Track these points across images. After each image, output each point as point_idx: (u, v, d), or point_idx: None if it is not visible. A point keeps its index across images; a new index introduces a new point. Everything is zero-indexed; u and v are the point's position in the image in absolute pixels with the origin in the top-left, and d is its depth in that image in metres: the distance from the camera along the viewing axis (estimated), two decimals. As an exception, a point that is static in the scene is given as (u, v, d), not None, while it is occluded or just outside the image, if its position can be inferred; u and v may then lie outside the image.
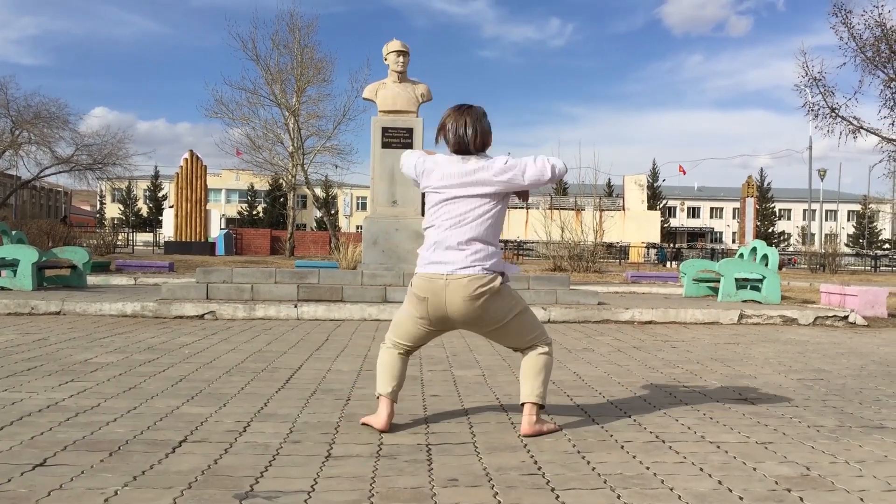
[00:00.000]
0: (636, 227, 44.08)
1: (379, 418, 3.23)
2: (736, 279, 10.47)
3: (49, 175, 43.18)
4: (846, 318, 8.56)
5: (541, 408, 3.24)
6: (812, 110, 29.39)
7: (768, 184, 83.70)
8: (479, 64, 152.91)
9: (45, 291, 9.60)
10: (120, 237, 34.52)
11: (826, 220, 63.63)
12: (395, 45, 10.51)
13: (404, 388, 4.19)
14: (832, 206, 72.96)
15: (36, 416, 3.33)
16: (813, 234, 48.15)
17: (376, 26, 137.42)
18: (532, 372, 3.25)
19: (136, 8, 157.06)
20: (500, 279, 3.14)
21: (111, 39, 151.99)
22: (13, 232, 11.22)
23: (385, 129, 10.54)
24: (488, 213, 3.14)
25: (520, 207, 45.44)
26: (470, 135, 3.15)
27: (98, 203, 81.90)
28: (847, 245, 71.14)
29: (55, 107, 39.49)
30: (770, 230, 78.18)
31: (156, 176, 78.50)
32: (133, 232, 44.73)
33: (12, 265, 9.84)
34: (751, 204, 43.83)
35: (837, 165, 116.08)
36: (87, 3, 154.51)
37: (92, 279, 12.13)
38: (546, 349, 3.30)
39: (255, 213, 77.22)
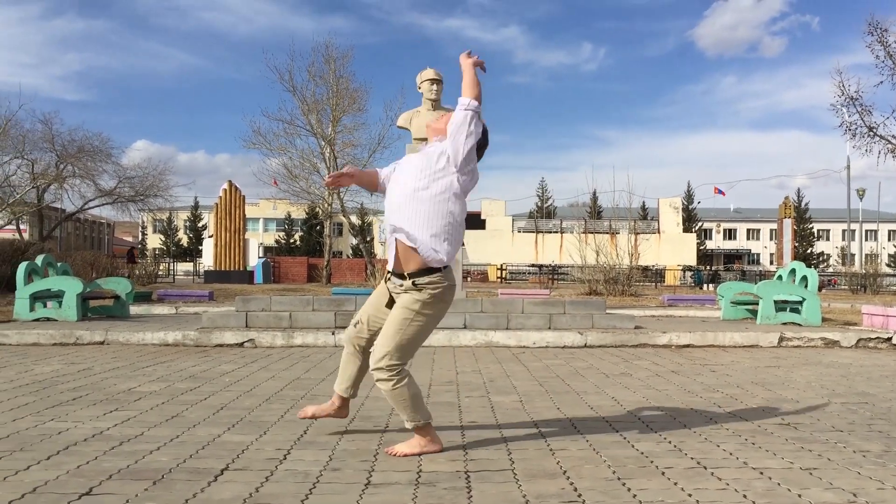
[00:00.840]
0: (672, 249, 43.67)
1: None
2: (775, 301, 10.32)
3: (93, 207, 44.25)
4: (890, 339, 8.38)
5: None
6: (849, 130, 28.90)
7: (806, 204, 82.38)
8: (511, 89, 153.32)
9: (89, 322, 9.80)
10: (161, 267, 35.09)
11: (866, 239, 62.36)
12: (428, 73, 10.62)
13: (442, 414, 4.21)
14: (872, 226, 71.54)
15: (82, 446, 3.41)
16: (853, 255, 47.23)
17: (410, 55, 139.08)
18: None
19: (176, 43, 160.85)
20: None
21: (152, 74, 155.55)
22: (59, 264, 11.49)
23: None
24: None
25: (554, 232, 45.38)
26: None
27: (140, 234, 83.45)
28: (888, 265, 69.59)
29: (98, 140, 40.57)
30: (809, 251, 76.79)
31: (195, 206, 79.80)
32: (174, 262, 45.46)
33: (58, 296, 10.08)
34: (788, 225, 43.20)
35: (877, 184, 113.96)
36: (129, 40, 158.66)
37: (134, 309, 12.35)
38: None
39: (292, 241, 78.03)
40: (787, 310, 10.37)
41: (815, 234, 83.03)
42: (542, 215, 74.64)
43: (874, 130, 28.42)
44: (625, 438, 3.66)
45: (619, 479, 2.94)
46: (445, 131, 3.41)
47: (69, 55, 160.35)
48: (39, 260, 10.92)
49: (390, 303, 3.45)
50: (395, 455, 3.25)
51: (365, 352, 3.55)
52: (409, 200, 3.31)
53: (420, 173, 3.33)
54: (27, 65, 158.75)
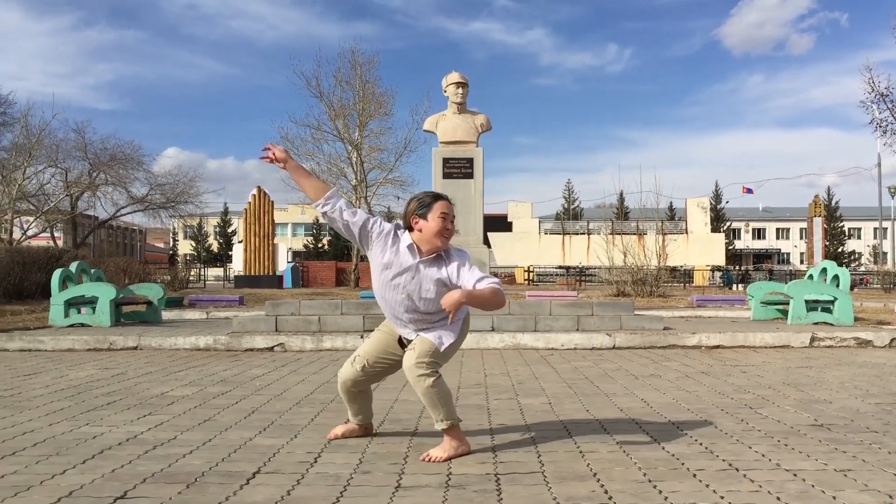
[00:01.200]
0: (700, 250, 43.16)
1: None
2: (806, 301, 10.19)
3: (125, 214, 44.83)
4: (927, 339, 8.23)
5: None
6: (880, 126, 28.54)
7: (836, 202, 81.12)
8: (537, 92, 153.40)
9: (122, 327, 9.94)
10: (192, 272, 35.49)
11: (900, 237, 61.21)
12: (454, 76, 10.67)
13: (471, 417, 4.21)
14: (905, 224, 70.24)
15: (116, 450, 3.47)
16: (885, 253, 46.42)
17: (435, 59, 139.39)
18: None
19: (205, 51, 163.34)
20: None
21: (182, 82, 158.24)
22: (92, 270, 11.67)
23: (446, 160, 10.66)
24: None
25: (581, 233, 45.15)
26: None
27: (171, 240, 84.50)
28: (922, 263, 68.25)
29: (130, 149, 41.14)
30: (840, 250, 75.55)
31: (225, 212, 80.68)
32: (204, 267, 45.95)
33: (91, 302, 10.24)
34: (818, 223, 42.61)
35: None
36: (159, 49, 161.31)
37: (166, 314, 12.51)
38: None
39: (320, 245, 78.54)
40: (819, 309, 10.23)
41: (846, 233, 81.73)
42: (569, 217, 74.30)
43: (905, 127, 27.95)
44: (655, 440, 3.64)
45: (649, 481, 2.93)
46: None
47: (101, 65, 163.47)
48: (73, 267, 11.10)
49: (401, 342, 3.57)
50: (431, 461, 3.24)
51: (365, 391, 3.68)
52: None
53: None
54: (60, 75, 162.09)
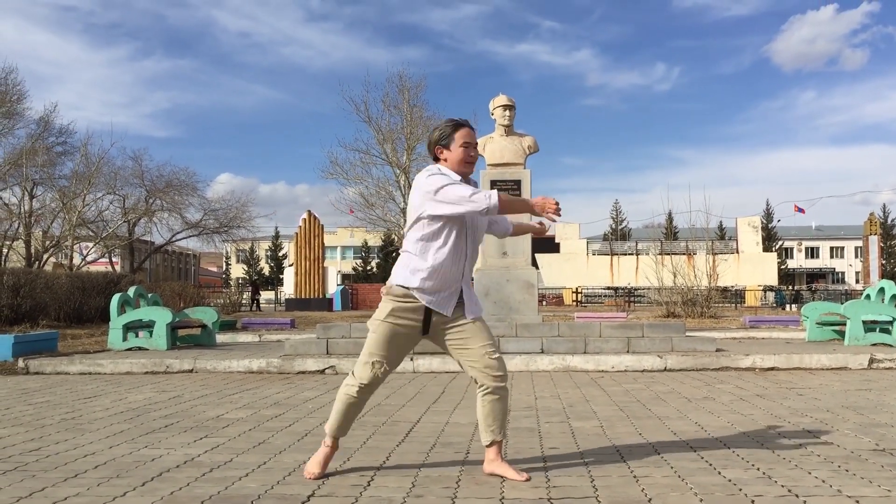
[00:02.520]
0: (751, 269, 42.35)
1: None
2: (864, 322, 9.92)
3: (180, 239, 45.94)
4: None
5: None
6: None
7: (892, 220, 78.74)
8: (584, 112, 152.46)
9: (178, 350, 10.15)
10: (245, 296, 36.11)
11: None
12: (501, 99, 10.72)
13: (523, 440, 4.21)
14: (968, 239, 67.83)
15: (174, 472, 3.54)
16: (947, 270, 44.81)
17: (482, 82, 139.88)
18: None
19: (257, 78, 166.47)
20: (388, 288, 3.40)
21: (235, 109, 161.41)
22: (149, 295, 11.96)
23: (493, 182, 10.69)
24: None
25: (630, 254, 44.70)
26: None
27: (224, 264, 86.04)
28: None
29: (185, 175, 42.28)
30: (896, 269, 73.25)
31: (276, 236, 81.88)
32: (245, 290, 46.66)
33: (149, 326, 10.49)
34: (874, 242, 41.49)
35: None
36: (213, 77, 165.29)
37: (220, 337, 12.73)
38: (347, 378, 3.45)
39: (368, 268, 79.13)
40: (877, 330, 9.95)
41: (904, 251, 79.22)
42: (617, 237, 73.63)
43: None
44: (711, 465, 3.59)
45: (705, 506, 2.89)
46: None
47: (157, 94, 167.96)
48: (131, 291, 11.38)
49: (424, 331, 3.41)
50: (516, 479, 3.30)
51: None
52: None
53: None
54: (118, 104, 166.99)
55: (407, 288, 3.31)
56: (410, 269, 3.32)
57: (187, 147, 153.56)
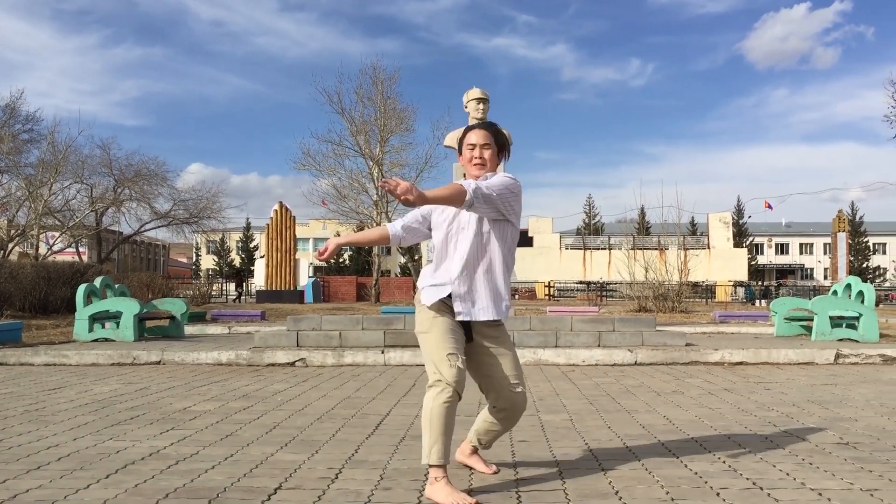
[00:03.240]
0: (722, 265, 42.83)
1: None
2: (831, 317, 10.08)
3: (149, 230, 45.42)
4: (956, 356, 8.10)
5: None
6: (905, 140, 28.21)
7: (861, 217, 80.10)
8: (559, 107, 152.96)
9: (145, 342, 10.04)
10: (214, 287, 35.79)
11: (927, 252, 60.38)
12: (474, 92, 10.70)
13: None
14: (931, 238, 69.26)
15: (139, 465, 3.49)
16: (912, 268, 45.74)
17: (458, 75, 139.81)
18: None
19: (230, 68, 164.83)
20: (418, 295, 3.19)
21: (207, 99, 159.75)
22: (116, 285, 11.80)
23: (465, 174, 10.68)
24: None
25: (602, 248, 44.97)
26: None
27: (194, 255, 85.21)
28: (950, 278, 67.19)
29: (154, 164, 41.76)
30: (864, 265, 74.48)
31: (247, 227, 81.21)
32: (226, 282, 46.30)
33: (116, 317, 10.35)
34: (843, 239, 42.10)
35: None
36: (185, 66, 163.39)
37: (189, 329, 12.61)
38: (431, 392, 2.97)
39: (341, 261, 78.78)
40: (844, 326, 10.12)
41: (871, 248, 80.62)
42: (590, 232, 74.04)
43: (932, 140, 27.67)
44: (678, 458, 3.61)
45: (672, 499, 2.90)
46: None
47: (127, 82, 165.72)
48: (98, 282, 11.23)
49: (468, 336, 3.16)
50: (484, 471, 3.26)
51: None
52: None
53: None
54: (87, 92, 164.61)
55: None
56: None
57: (157, 136, 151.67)
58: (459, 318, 3.08)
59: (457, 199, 2.90)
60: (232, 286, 42.39)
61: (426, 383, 3.03)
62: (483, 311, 3.10)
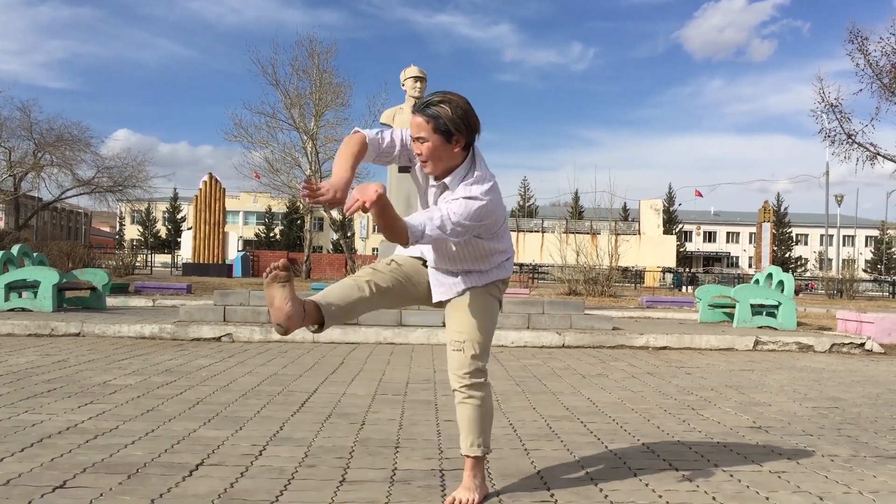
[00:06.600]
0: (652, 251, 43.90)
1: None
2: (752, 305, 10.43)
3: (70, 197, 43.83)
4: (863, 345, 8.50)
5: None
6: (828, 136, 29.32)
7: (785, 209, 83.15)
8: (499, 88, 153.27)
9: (64, 313, 9.71)
10: (139, 259, 34.82)
11: (844, 245, 63.12)
12: (412, 70, 10.64)
13: (418, 412, 4.22)
14: (850, 232, 72.36)
15: (56, 438, 3.39)
16: (830, 260, 47.80)
17: (397, 51, 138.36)
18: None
19: (162, 32, 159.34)
20: None
21: (137, 63, 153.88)
22: (34, 254, 11.37)
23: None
24: None
25: (535, 231, 45.51)
26: None
27: (118, 225, 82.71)
28: (865, 271, 70.42)
29: (77, 129, 40.23)
30: (787, 255, 77.51)
31: (175, 198, 79.19)
32: (152, 254, 45.13)
33: (33, 287, 9.98)
34: (767, 229, 43.65)
35: (855, 191, 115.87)
36: (115, 27, 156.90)
37: (111, 301, 12.26)
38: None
39: (272, 235, 77.64)
40: (764, 314, 10.48)
41: (794, 239, 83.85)
42: (524, 214, 74.89)
43: (853, 137, 28.85)
44: (599, 439, 3.70)
45: (591, 479, 2.97)
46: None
47: (53, 42, 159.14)
48: (15, 249, 10.81)
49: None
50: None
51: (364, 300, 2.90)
52: None
53: None
54: (9, 51, 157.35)
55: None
56: None
57: (84, 100, 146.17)
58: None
59: (401, 238, 2.53)
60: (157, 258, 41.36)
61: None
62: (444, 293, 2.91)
